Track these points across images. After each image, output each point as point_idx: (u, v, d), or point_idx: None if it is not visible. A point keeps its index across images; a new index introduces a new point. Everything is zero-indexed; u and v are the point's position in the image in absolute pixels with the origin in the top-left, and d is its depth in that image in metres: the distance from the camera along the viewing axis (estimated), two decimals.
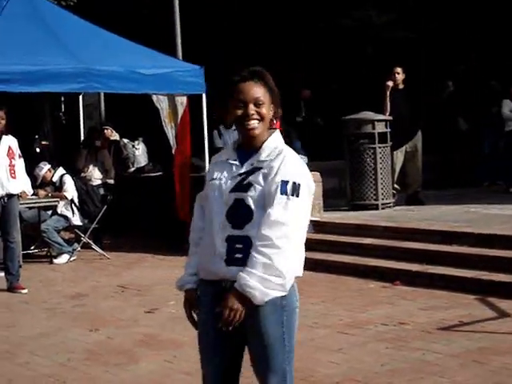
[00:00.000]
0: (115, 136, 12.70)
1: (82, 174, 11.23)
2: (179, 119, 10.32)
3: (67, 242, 10.31)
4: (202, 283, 3.21)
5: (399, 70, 10.90)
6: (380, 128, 10.46)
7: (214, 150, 13.19)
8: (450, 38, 15.72)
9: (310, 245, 9.82)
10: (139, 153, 12.97)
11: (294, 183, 3.01)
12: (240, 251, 3.02)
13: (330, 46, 16.25)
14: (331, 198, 10.57)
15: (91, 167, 11.38)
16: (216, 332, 3.08)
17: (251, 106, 3.08)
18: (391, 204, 10.56)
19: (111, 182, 11.58)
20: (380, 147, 10.38)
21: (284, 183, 3.00)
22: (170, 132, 10.36)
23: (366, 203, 10.33)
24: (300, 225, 3.02)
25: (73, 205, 10.22)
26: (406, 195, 11.09)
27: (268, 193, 3.01)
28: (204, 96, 10.09)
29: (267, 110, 3.10)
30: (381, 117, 10.60)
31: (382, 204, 10.41)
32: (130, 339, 6.15)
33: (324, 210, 10.07)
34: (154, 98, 10.28)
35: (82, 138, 12.63)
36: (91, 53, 9.55)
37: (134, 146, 12.92)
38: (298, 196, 3.00)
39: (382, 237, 8.73)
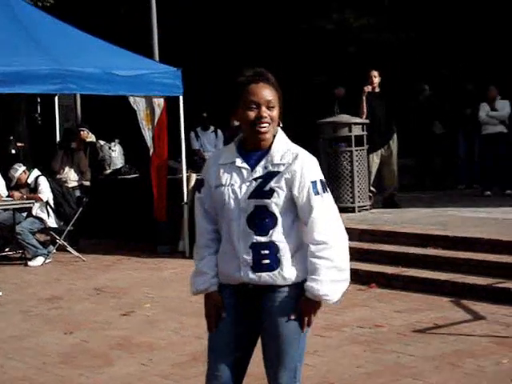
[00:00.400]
0: (91, 137, 12.64)
1: (58, 176, 11.16)
2: (156, 121, 10.29)
3: (42, 245, 10.24)
4: (221, 286, 3.21)
5: (375, 73, 10.95)
6: (356, 131, 10.50)
7: (190, 152, 13.22)
8: (427, 41, 15.83)
9: None
10: (115, 154, 12.91)
11: (321, 181, 3.10)
12: (267, 257, 3.07)
13: (310, 47, 16.30)
14: None
15: (67, 169, 11.31)
16: (235, 332, 3.15)
17: (264, 109, 3.07)
18: (368, 207, 10.60)
19: (87, 183, 11.52)
20: (356, 150, 10.42)
21: (313, 184, 3.06)
22: (147, 134, 10.33)
23: (343, 206, 10.35)
24: (337, 215, 3.14)
25: (48, 207, 10.15)
26: (382, 198, 11.14)
27: (301, 198, 3.05)
28: (181, 98, 10.07)
29: (277, 113, 3.11)
30: (357, 120, 10.64)
31: (359, 207, 10.45)
32: (105, 342, 6.12)
33: None
34: (131, 99, 10.24)
35: (58, 139, 12.56)
36: (68, 54, 9.49)
37: (110, 148, 12.85)
38: (327, 191, 3.11)
39: (358, 239, 8.75)
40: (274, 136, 3.13)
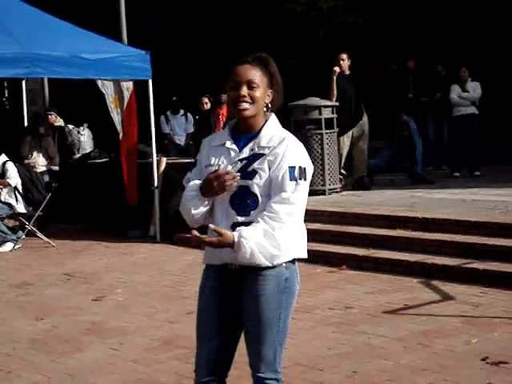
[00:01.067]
0: (60, 122, 12.53)
1: (26, 161, 11.06)
2: (125, 105, 10.22)
3: (11, 230, 10.16)
4: (207, 268, 3.26)
5: (344, 56, 10.96)
6: (327, 114, 10.52)
7: (161, 136, 13.17)
8: (397, 23, 15.85)
9: None
10: (84, 139, 12.80)
11: (300, 167, 3.09)
12: None
13: (280, 30, 16.25)
14: None
15: (35, 154, 11.22)
16: (220, 315, 3.17)
17: (244, 88, 3.09)
18: (338, 189, 10.64)
19: (56, 168, 11.43)
20: (327, 133, 10.44)
21: (291, 169, 3.07)
22: (116, 118, 10.26)
23: (313, 189, 10.35)
24: (304, 206, 3.14)
25: (16, 192, 10.07)
26: (352, 180, 11.18)
27: (275, 179, 3.06)
28: (150, 81, 10.00)
29: (261, 94, 3.11)
30: (327, 102, 10.65)
31: (329, 189, 10.48)
32: (76, 327, 6.10)
33: None
34: (99, 83, 10.16)
35: (26, 123, 12.43)
36: (34, 38, 9.38)
37: (79, 132, 12.75)
38: (305, 179, 3.10)
39: (328, 222, 8.80)
40: (267, 120, 3.17)
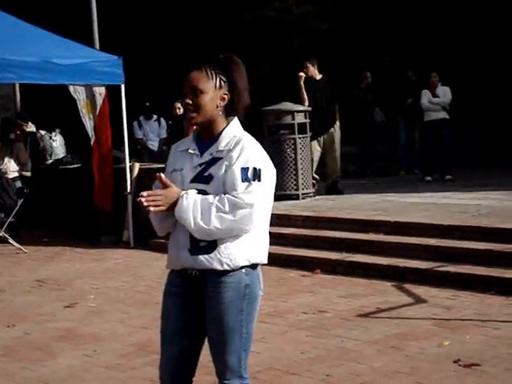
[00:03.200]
0: (31, 127, 12.45)
1: None
2: (98, 110, 10.18)
3: None
4: (170, 273, 3.25)
5: (307, 64, 11.04)
6: (299, 119, 10.55)
7: (134, 142, 13.13)
8: (368, 29, 15.97)
9: None
10: (57, 144, 12.74)
11: (255, 168, 3.04)
12: (203, 240, 3.07)
13: (253, 36, 16.29)
14: None
15: (6, 160, 11.13)
16: (182, 321, 3.16)
17: (188, 96, 3.09)
18: (311, 194, 10.67)
19: (28, 174, 11.35)
20: (300, 138, 10.47)
21: (244, 170, 3.03)
22: (88, 123, 10.22)
23: (287, 193, 10.41)
24: (263, 209, 3.08)
25: None
26: (325, 185, 11.23)
27: (228, 181, 3.04)
28: (123, 87, 9.97)
29: (208, 100, 3.08)
30: (300, 107, 10.70)
31: (303, 194, 10.51)
32: (49, 334, 6.05)
33: None
34: (71, 88, 10.11)
35: None
36: (5, 43, 9.30)
37: (51, 138, 12.68)
38: (259, 180, 3.04)
39: (302, 226, 8.83)
40: (228, 124, 3.16)
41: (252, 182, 3.03)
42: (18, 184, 10.87)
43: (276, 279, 7.62)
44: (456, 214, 8.45)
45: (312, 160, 10.85)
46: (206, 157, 3.12)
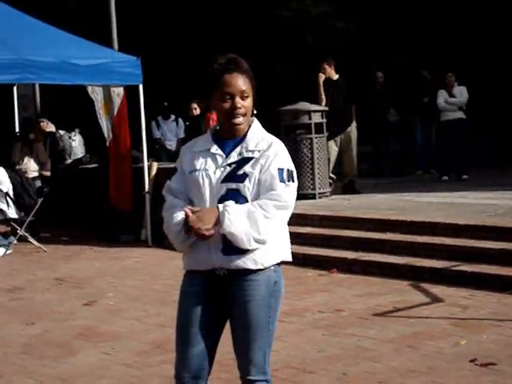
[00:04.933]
0: (51, 127, 12.55)
1: (18, 167, 11.07)
2: (116, 110, 10.26)
3: (3, 236, 10.16)
4: (190, 274, 3.25)
5: (324, 65, 11.09)
6: (316, 118, 10.57)
7: (152, 141, 13.20)
8: (385, 29, 15.95)
9: None
10: (76, 144, 12.83)
11: (288, 169, 3.15)
12: None
13: (270, 35, 16.32)
14: None
15: (26, 159, 11.23)
16: (205, 320, 3.18)
17: (238, 100, 3.13)
18: (328, 193, 10.69)
19: (47, 174, 11.44)
20: (316, 137, 10.49)
21: (280, 171, 3.12)
22: (105, 124, 10.31)
23: (304, 193, 10.42)
24: (292, 209, 3.18)
25: (8, 197, 10.08)
26: (342, 184, 11.24)
27: (264, 181, 3.10)
28: (141, 87, 10.04)
29: (251, 102, 3.17)
30: (317, 107, 10.71)
31: (319, 193, 10.53)
32: (68, 332, 6.12)
33: None
34: (89, 89, 10.20)
35: (17, 129, 12.44)
36: (26, 43, 9.41)
37: (70, 138, 12.78)
38: (293, 181, 3.17)
39: (319, 226, 8.85)
40: (250, 125, 3.20)
41: (287, 183, 3.12)
42: (38, 183, 10.96)
43: (293, 278, 7.64)
44: (472, 213, 8.44)
45: (329, 160, 10.87)
46: (234, 156, 3.14)
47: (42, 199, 10.30)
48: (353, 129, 11.15)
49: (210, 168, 3.16)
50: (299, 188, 11.25)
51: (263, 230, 3.07)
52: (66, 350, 5.63)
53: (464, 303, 6.33)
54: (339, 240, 8.35)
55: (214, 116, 9.98)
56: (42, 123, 11.86)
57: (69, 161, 12.64)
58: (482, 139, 14.01)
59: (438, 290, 6.78)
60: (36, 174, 11.22)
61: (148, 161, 10.37)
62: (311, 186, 10.49)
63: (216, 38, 15.98)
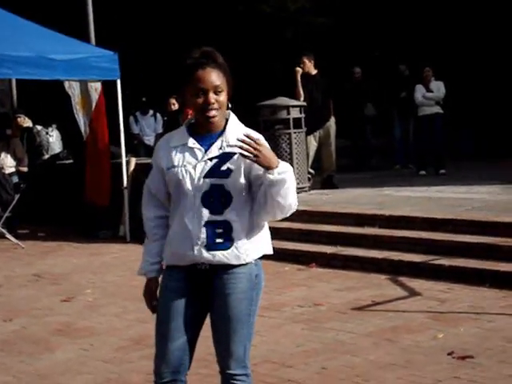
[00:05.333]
0: (28, 123, 12.46)
1: None
2: (94, 106, 10.21)
3: None
4: (170, 268, 3.23)
5: (304, 59, 11.08)
6: (295, 114, 10.58)
7: (130, 137, 13.15)
8: (362, 25, 16.00)
9: None
10: (53, 140, 12.75)
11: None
12: (221, 236, 3.09)
13: (248, 30, 16.31)
14: None
15: (3, 155, 11.14)
16: (186, 315, 3.17)
17: (211, 95, 3.08)
18: (306, 188, 10.71)
19: (24, 169, 11.36)
20: (295, 132, 10.50)
21: None
22: (82, 119, 10.26)
23: None
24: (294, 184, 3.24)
25: None
26: (320, 179, 11.27)
27: (259, 173, 3.07)
28: (119, 82, 9.99)
29: (225, 97, 3.13)
30: (295, 102, 10.72)
31: (298, 188, 10.50)
32: (46, 328, 6.10)
33: None
34: (66, 84, 10.14)
35: None
36: (2, 38, 9.32)
37: (47, 133, 12.69)
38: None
39: (297, 220, 8.84)
40: (227, 119, 3.18)
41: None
42: (15, 179, 10.88)
43: (271, 273, 7.65)
44: (450, 207, 8.49)
45: (308, 155, 10.89)
46: (215, 151, 3.10)
47: (19, 195, 10.23)
48: (331, 124, 11.17)
49: (189, 163, 3.12)
50: None
51: (295, 198, 3.17)
52: (44, 347, 5.61)
53: (442, 297, 6.38)
54: (318, 235, 8.37)
55: (192, 111, 9.95)
56: (18, 119, 11.78)
57: (46, 156, 12.56)
58: (458, 134, 14.10)
59: (416, 283, 6.82)
60: (13, 169, 11.13)
61: (126, 156, 10.33)
62: None
63: (195, 33, 15.95)
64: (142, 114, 14.03)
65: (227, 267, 3.12)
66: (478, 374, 4.56)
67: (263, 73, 15.74)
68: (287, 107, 10.56)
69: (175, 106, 12.80)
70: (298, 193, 10.80)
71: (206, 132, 3.16)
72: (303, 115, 10.65)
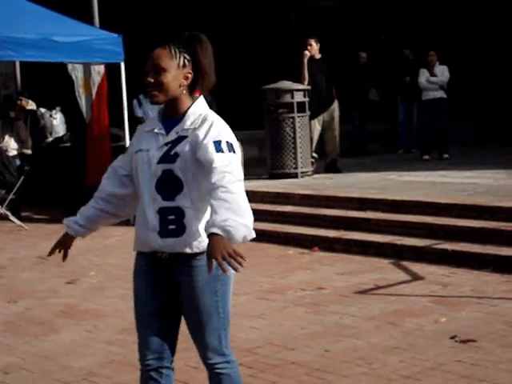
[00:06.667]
0: (32, 105, 12.46)
1: None
2: (96, 88, 10.20)
3: None
4: (139, 254, 3.25)
5: (311, 41, 11.05)
6: (298, 97, 10.57)
7: (134, 120, 13.15)
8: (368, 8, 15.92)
9: None
10: (57, 122, 12.76)
11: (227, 141, 2.99)
12: (173, 222, 3.03)
13: (252, 14, 16.25)
14: (252, 167, 10.68)
15: (7, 137, 11.15)
16: (157, 300, 3.15)
17: (151, 74, 3.04)
18: (310, 172, 10.72)
19: (28, 152, 11.38)
20: (299, 116, 10.51)
21: (217, 143, 2.97)
22: (84, 102, 10.25)
23: (286, 172, 10.47)
24: (240, 175, 2.98)
25: None
26: (324, 164, 11.27)
27: (203, 158, 2.96)
28: (122, 65, 9.98)
29: (170, 78, 3.02)
30: (299, 86, 10.71)
31: (301, 172, 10.56)
32: (50, 310, 6.13)
33: (244, 179, 10.17)
34: (69, 66, 10.13)
35: None
36: (5, 20, 9.31)
37: (51, 116, 12.70)
38: (234, 152, 2.99)
39: (300, 204, 8.88)
40: (193, 103, 3.10)
41: (228, 153, 2.96)
42: (18, 162, 10.90)
43: (275, 256, 7.69)
44: (453, 192, 8.50)
45: (311, 139, 10.89)
46: (172, 136, 3.06)
47: (22, 177, 10.24)
48: (335, 108, 11.17)
49: (151, 148, 3.08)
50: (281, 167, 11.24)
51: (245, 207, 2.89)
52: (49, 328, 5.64)
53: (444, 281, 6.40)
54: (321, 219, 8.39)
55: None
56: (22, 101, 11.77)
57: (50, 139, 12.57)
58: (462, 118, 14.07)
59: (418, 267, 6.84)
60: (16, 152, 11.15)
61: (130, 139, 10.33)
62: (293, 165, 10.51)
63: (200, 16, 15.90)
64: (146, 98, 14.01)
65: (185, 258, 3.04)
66: (480, 358, 4.58)
67: (268, 56, 15.68)
68: (291, 91, 10.56)
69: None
70: (301, 176, 10.76)
71: (171, 116, 3.11)
72: (307, 99, 10.64)
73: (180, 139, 3.04)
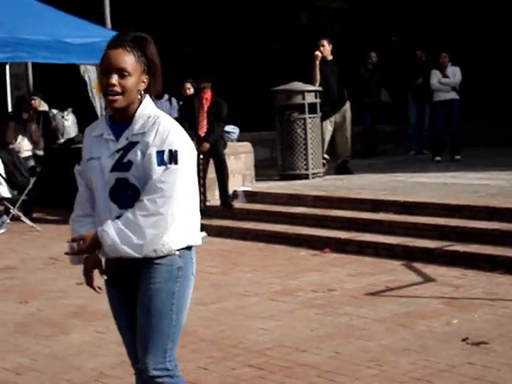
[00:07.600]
0: (44, 106, 12.50)
1: (11, 146, 11.04)
2: None
3: None
4: (106, 262, 3.14)
5: (324, 42, 11.04)
6: (310, 98, 10.56)
7: None
8: (379, 9, 15.90)
9: (241, 214, 9.98)
10: (69, 123, 12.79)
11: (170, 151, 2.88)
12: None
13: (263, 14, 16.26)
14: (262, 168, 10.69)
15: (20, 139, 11.19)
16: (128, 312, 3.09)
17: (114, 76, 2.89)
18: (321, 173, 10.71)
19: (40, 153, 11.42)
20: (310, 117, 10.49)
21: (159, 154, 2.88)
22: (98, 102, 10.27)
23: (297, 173, 10.46)
24: (184, 192, 2.91)
25: (0, 177, 10.05)
26: (335, 165, 11.26)
27: (146, 167, 2.88)
28: None
29: (134, 83, 2.92)
30: (310, 87, 10.70)
31: (312, 174, 10.55)
32: (61, 311, 6.14)
33: (256, 180, 10.19)
34: (82, 68, 10.17)
35: (10, 108, 12.39)
36: (18, 22, 9.37)
37: (63, 117, 12.73)
38: (176, 163, 2.88)
39: (312, 206, 8.87)
40: (140, 105, 2.98)
41: (168, 166, 2.87)
42: (31, 163, 10.94)
43: (286, 258, 7.68)
44: (464, 193, 8.47)
45: (323, 140, 10.88)
46: (123, 142, 2.94)
47: (34, 178, 10.27)
48: (347, 109, 11.15)
49: (102, 156, 2.96)
50: (292, 168, 11.20)
51: (148, 232, 2.85)
52: (60, 329, 5.65)
53: (456, 283, 6.37)
54: (332, 220, 8.37)
55: (207, 96, 9.94)
56: (34, 102, 11.82)
57: (61, 140, 12.60)
58: (474, 120, 14.02)
59: (430, 269, 6.82)
60: (30, 153, 11.19)
61: None
62: (304, 167, 10.50)
63: (211, 17, 15.92)
64: (157, 99, 14.00)
65: (147, 260, 2.96)
66: (492, 360, 4.56)
67: (279, 58, 15.68)
68: (302, 92, 10.55)
69: (190, 91, 12.78)
70: (312, 178, 10.73)
71: (120, 120, 2.98)
72: (318, 100, 10.63)
73: (131, 145, 2.92)
